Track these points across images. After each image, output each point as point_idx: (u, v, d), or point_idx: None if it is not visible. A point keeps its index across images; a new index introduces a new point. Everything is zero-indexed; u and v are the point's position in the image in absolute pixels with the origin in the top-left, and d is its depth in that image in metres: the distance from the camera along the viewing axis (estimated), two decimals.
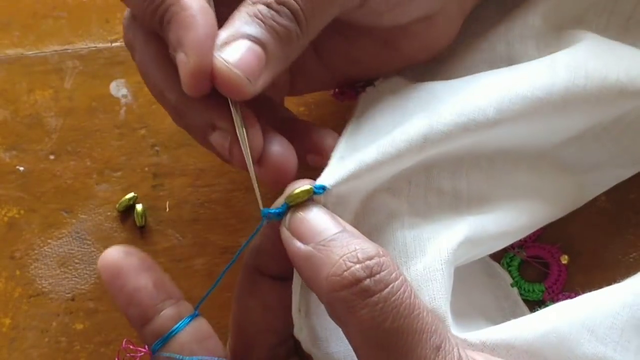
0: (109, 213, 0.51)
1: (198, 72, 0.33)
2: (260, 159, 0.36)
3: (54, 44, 0.56)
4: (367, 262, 0.31)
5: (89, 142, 0.53)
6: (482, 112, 0.38)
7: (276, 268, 0.37)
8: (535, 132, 0.41)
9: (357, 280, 0.31)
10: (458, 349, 0.32)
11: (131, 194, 0.51)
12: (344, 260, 0.31)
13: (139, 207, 0.51)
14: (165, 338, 0.37)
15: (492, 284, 0.46)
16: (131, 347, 0.46)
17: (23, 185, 0.52)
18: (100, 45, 0.55)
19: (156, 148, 0.52)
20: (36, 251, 0.50)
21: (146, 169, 0.52)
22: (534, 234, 0.47)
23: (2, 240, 0.51)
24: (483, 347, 0.35)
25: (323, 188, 0.35)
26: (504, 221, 0.40)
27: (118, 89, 0.54)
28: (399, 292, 0.31)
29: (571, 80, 0.39)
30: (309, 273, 0.32)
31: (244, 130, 0.35)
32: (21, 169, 0.53)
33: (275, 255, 0.36)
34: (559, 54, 0.40)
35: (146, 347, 0.39)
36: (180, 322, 0.37)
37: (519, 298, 0.46)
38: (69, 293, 0.49)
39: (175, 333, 0.37)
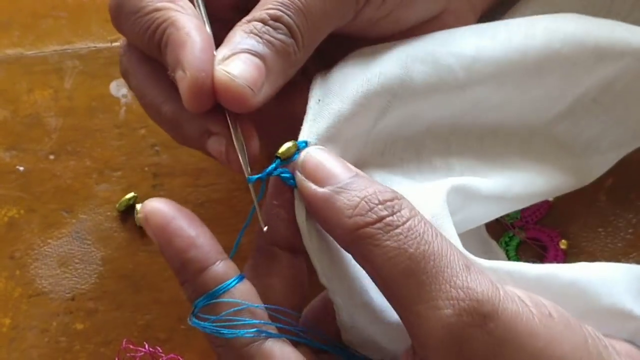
0: (109, 213, 0.51)
1: (197, 85, 0.34)
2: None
3: (54, 44, 0.56)
4: (388, 203, 0.33)
5: (89, 142, 0.53)
6: (452, 73, 0.38)
7: (291, 237, 0.37)
8: (521, 108, 0.41)
9: (381, 218, 0.32)
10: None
11: (131, 194, 0.51)
12: (365, 201, 0.33)
13: (139, 207, 0.50)
14: (210, 295, 0.35)
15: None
16: (131, 347, 0.46)
17: (23, 185, 0.52)
18: (100, 45, 0.55)
19: (156, 148, 0.52)
20: (36, 251, 0.50)
21: (146, 168, 0.52)
22: (535, 215, 0.47)
23: (2, 240, 0.51)
24: (508, 280, 0.36)
25: (306, 143, 0.36)
26: (497, 185, 0.40)
27: (118, 88, 0.54)
28: (420, 224, 0.32)
29: (547, 43, 0.39)
30: (329, 214, 0.33)
31: (240, 134, 0.36)
32: (21, 168, 0.52)
33: (290, 222, 0.36)
34: (539, 17, 0.40)
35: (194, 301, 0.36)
36: (230, 281, 0.35)
37: None
38: (68, 293, 0.49)
39: (223, 292, 0.35)
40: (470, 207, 0.40)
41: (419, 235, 0.32)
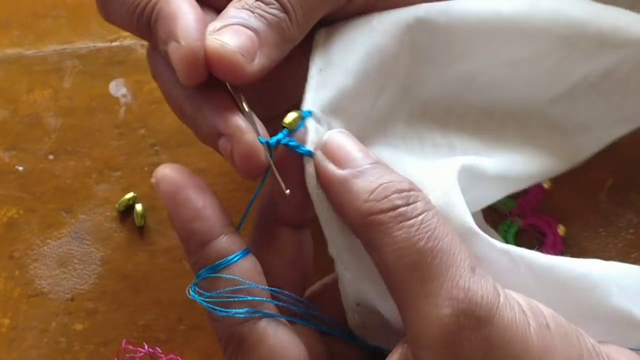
0: (108, 213, 0.51)
1: (190, 55, 0.33)
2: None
3: (54, 44, 0.56)
4: (404, 193, 0.33)
5: (89, 142, 0.53)
6: (449, 46, 0.39)
7: (294, 212, 0.37)
8: (517, 88, 0.42)
9: (396, 207, 0.32)
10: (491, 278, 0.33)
11: (131, 194, 0.51)
12: (383, 188, 0.33)
13: (138, 207, 0.51)
14: (212, 268, 0.34)
15: None
16: (130, 347, 0.46)
17: (22, 185, 0.52)
18: (100, 44, 0.55)
19: (156, 148, 0.52)
20: (35, 251, 0.50)
21: (146, 168, 0.52)
22: (532, 203, 0.47)
23: (1, 240, 0.51)
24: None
25: (310, 112, 0.36)
26: (499, 165, 0.41)
27: (117, 88, 0.54)
28: (433, 219, 0.33)
29: (548, 25, 0.39)
30: (344, 196, 0.33)
31: (246, 106, 0.35)
32: (20, 168, 0.52)
33: (294, 196, 0.36)
34: None
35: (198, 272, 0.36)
36: (233, 256, 0.35)
37: None
38: (68, 293, 0.49)
39: (226, 265, 0.35)
40: (476, 188, 0.40)
41: (431, 230, 0.32)
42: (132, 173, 0.52)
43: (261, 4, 0.35)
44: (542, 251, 0.45)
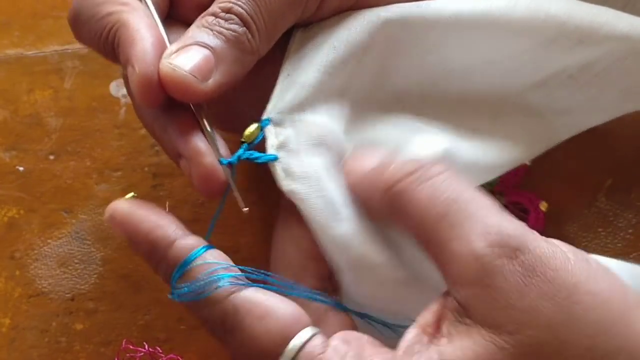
0: None
1: (144, 79, 0.35)
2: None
3: (54, 44, 0.56)
4: (423, 163, 0.34)
5: (89, 142, 0.53)
6: (423, 37, 0.39)
7: None
8: (491, 77, 0.42)
9: (416, 169, 0.34)
10: None
11: (131, 194, 0.51)
12: (398, 163, 0.34)
13: None
14: (184, 264, 0.35)
15: None
16: (131, 347, 0.46)
17: (23, 185, 0.52)
18: None
19: (156, 148, 0.52)
20: (36, 251, 0.50)
21: (146, 169, 0.52)
22: (513, 180, 0.47)
23: (1, 240, 0.51)
24: None
25: (268, 120, 0.37)
26: (472, 152, 0.41)
27: (118, 88, 0.54)
28: (451, 175, 0.34)
29: (527, 19, 0.39)
30: (368, 183, 0.35)
31: (208, 125, 0.36)
32: (21, 169, 0.52)
33: None
34: None
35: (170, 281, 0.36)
36: (200, 248, 0.35)
37: None
38: (68, 293, 0.49)
39: (196, 257, 0.35)
40: None
41: (452, 183, 0.33)
42: (132, 173, 0.52)
43: (220, 20, 0.36)
44: None
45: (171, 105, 0.36)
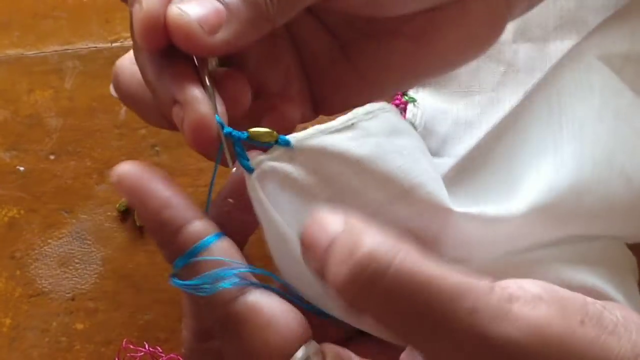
0: (109, 213, 0.51)
1: (150, 18, 0.33)
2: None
3: (54, 44, 0.56)
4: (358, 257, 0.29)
5: (89, 142, 0.53)
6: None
7: (240, 236, 0.36)
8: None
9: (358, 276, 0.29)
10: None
11: None
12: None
13: None
14: (190, 254, 0.33)
15: None
16: (131, 347, 0.46)
17: (23, 185, 0.52)
18: (100, 45, 0.55)
19: (156, 148, 0.52)
20: (36, 251, 0.51)
21: None
22: None
23: (2, 240, 0.51)
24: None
25: (287, 143, 0.34)
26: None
27: None
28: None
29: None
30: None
31: (208, 80, 0.34)
32: (21, 169, 0.53)
33: (242, 222, 0.36)
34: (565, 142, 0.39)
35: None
36: (208, 238, 0.34)
37: None
38: (69, 293, 0.49)
39: (204, 248, 0.34)
40: None
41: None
42: None
43: None
44: None
45: (172, 53, 0.34)
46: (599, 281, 0.38)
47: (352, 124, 0.35)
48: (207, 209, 0.36)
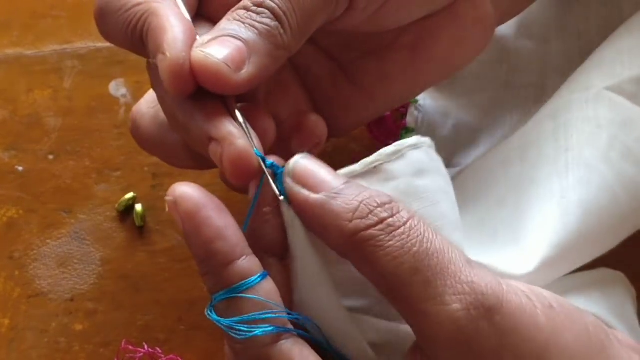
0: (108, 213, 0.51)
1: (176, 66, 0.34)
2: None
3: (53, 44, 0.56)
4: (387, 205, 0.33)
5: (88, 142, 0.53)
6: None
7: (280, 242, 0.36)
8: None
9: (382, 219, 0.32)
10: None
11: (130, 194, 0.51)
12: (364, 204, 0.33)
13: (138, 207, 0.51)
14: (233, 290, 0.34)
15: None
16: (130, 347, 0.46)
17: (22, 185, 0.52)
18: (100, 44, 0.55)
19: None
20: (35, 251, 0.50)
21: (146, 168, 0.52)
22: None
23: (1, 240, 0.51)
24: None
25: None
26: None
27: (117, 88, 0.54)
28: (420, 224, 0.33)
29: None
30: (326, 220, 0.33)
31: (240, 116, 0.35)
32: (20, 168, 0.52)
33: (280, 227, 0.36)
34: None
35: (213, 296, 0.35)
36: (255, 277, 0.34)
37: None
38: (68, 293, 0.49)
39: (246, 288, 0.34)
40: None
41: (421, 234, 0.32)
42: (132, 173, 0.52)
43: (252, 14, 0.35)
44: None
45: (200, 94, 0.35)
46: (602, 311, 0.39)
47: (375, 167, 0.35)
48: (244, 229, 0.36)
